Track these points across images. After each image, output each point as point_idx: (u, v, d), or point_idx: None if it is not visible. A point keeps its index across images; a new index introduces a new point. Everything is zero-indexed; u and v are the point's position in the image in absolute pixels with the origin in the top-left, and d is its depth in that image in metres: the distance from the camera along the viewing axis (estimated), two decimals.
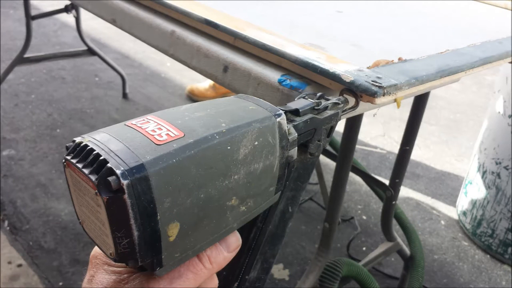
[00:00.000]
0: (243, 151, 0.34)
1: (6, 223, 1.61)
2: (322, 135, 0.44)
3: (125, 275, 0.34)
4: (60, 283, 1.41)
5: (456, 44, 0.70)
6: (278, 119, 0.37)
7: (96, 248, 0.36)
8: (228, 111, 0.36)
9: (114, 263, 0.35)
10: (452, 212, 1.95)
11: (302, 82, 0.55)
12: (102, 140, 0.30)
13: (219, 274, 0.38)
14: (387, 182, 1.31)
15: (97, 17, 0.91)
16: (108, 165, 0.28)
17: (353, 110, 0.50)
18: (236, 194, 0.34)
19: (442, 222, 1.90)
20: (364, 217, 1.86)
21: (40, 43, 3.07)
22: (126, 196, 0.28)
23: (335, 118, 0.45)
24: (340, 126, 0.87)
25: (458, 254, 1.74)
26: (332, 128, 0.46)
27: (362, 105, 0.51)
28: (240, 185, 0.34)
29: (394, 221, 1.37)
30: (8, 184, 1.79)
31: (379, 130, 2.53)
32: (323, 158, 1.94)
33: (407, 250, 1.39)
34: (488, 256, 1.74)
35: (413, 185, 2.10)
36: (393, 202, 1.31)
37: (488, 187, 1.69)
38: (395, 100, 0.55)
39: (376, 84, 0.50)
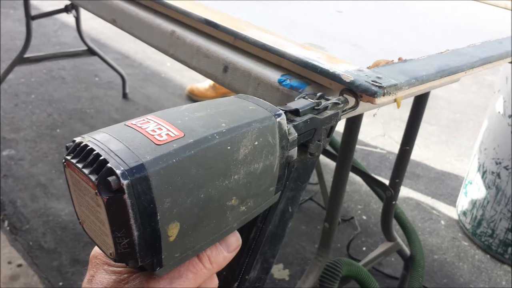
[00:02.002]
0: (243, 151, 0.34)
1: (6, 223, 1.61)
2: (322, 135, 0.44)
3: (125, 275, 0.34)
4: (60, 283, 1.41)
5: (456, 44, 0.70)
6: (278, 119, 0.37)
7: (96, 248, 0.36)
8: (228, 111, 0.36)
9: (114, 263, 0.35)
10: (452, 212, 1.95)
11: (302, 82, 0.55)
12: (102, 140, 0.30)
13: (219, 274, 0.38)
14: (387, 182, 1.31)
15: (97, 17, 0.91)
16: (108, 165, 0.28)
17: (353, 110, 0.50)
18: (236, 194, 0.34)
19: (442, 222, 1.90)
20: (364, 217, 1.86)
21: (40, 43, 3.07)
22: (126, 196, 0.28)
23: (335, 118, 0.45)
24: (340, 126, 0.86)
25: (458, 254, 1.74)
26: (332, 128, 0.46)
27: (362, 105, 0.51)
28: (240, 185, 0.34)
29: (394, 221, 1.37)
30: (8, 184, 1.79)
31: (379, 130, 2.53)
32: (323, 158, 1.94)
33: (407, 250, 1.39)
34: (488, 256, 1.74)
35: (413, 185, 2.10)
36: (393, 202, 1.31)
37: (488, 187, 1.69)
38: (395, 100, 0.55)
39: (376, 84, 0.50)
